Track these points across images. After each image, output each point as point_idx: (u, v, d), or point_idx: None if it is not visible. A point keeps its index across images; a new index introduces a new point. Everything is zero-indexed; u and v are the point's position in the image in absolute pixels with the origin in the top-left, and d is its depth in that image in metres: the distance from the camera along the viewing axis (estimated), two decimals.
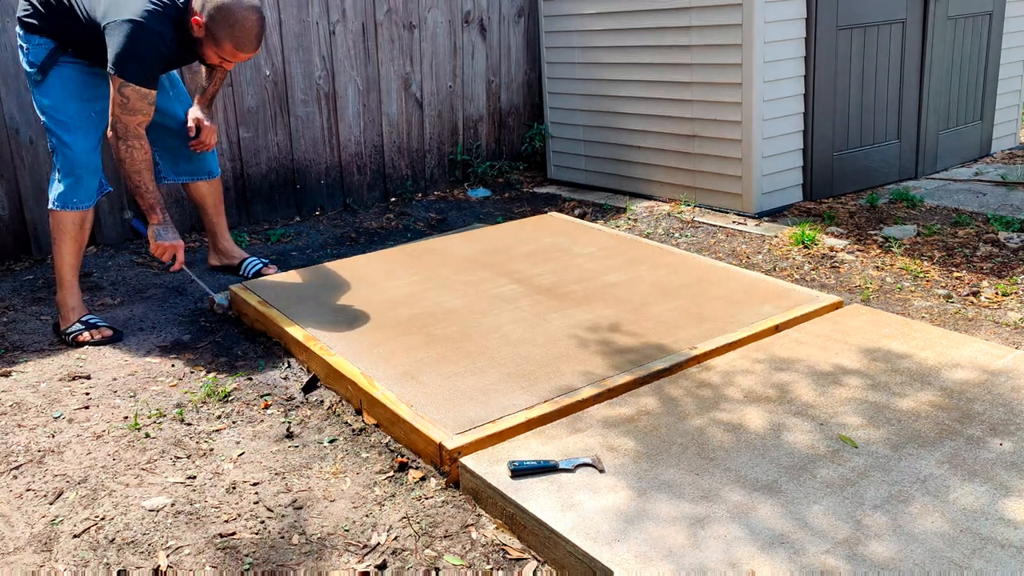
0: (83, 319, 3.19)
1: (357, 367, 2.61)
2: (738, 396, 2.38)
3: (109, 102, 3.05)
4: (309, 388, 2.72)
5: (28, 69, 3.11)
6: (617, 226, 4.40)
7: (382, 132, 5.02)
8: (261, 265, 3.75)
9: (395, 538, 1.97)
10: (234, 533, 2.00)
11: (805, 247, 3.89)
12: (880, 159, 4.84)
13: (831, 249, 3.87)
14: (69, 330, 3.16)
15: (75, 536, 2.01)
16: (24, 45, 3.10)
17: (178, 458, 2.34)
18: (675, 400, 2.37)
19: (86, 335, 3.13)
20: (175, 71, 3.53)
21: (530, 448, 2.15)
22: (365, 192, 5.04)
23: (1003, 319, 3.09)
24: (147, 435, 2.45)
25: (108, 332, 3.16)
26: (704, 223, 4.36)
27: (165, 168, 3.56)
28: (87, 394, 2.72)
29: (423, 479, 2.19)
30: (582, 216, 4.64)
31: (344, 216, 4.83)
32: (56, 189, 3.12)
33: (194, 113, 3.48)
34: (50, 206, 3.14)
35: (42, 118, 3.13)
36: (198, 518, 2.06)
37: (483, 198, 5.19)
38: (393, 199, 5.14)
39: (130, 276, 3.85)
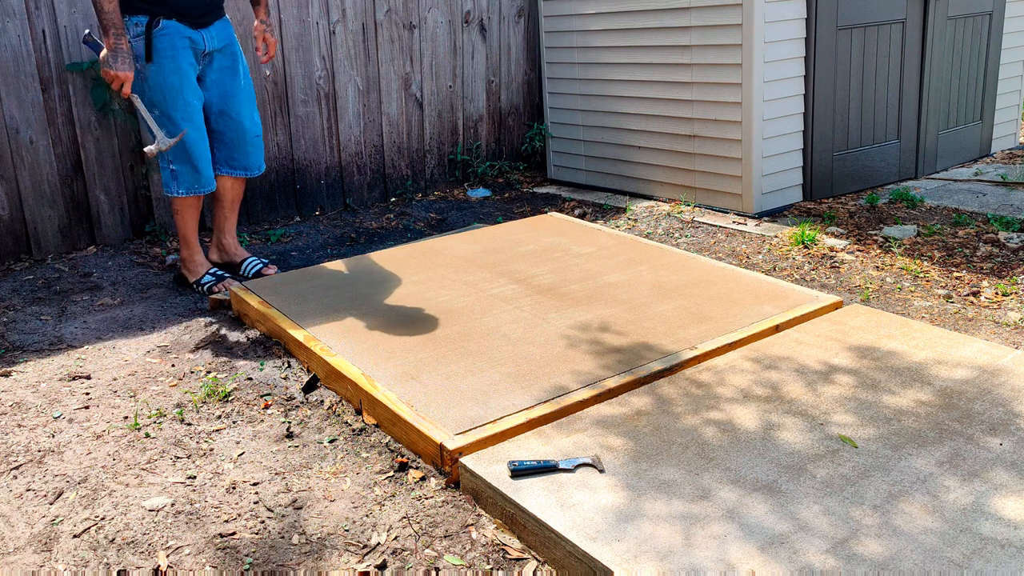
0: (212, 271, 3.61)
1: (357, 367, 2.61)
2: (738, 396, 2.38)
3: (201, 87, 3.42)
4: (309, 388, 2.72)
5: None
6: (617, 226, 4.40)
7: (382, 132, 5.02)
8: (261, 266, 3.78)
9: (395, 538, 1.97)
10: (234, 533, 2.00)
11: (805, 247, 3.90)
12: (880, 159, 4.84)
13: (831, 249, 3.87)
14: (202, 280, 3.57)
15: (75, 536, 2.01)
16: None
17: (178, 458, 2.34)
18: (675, 400, 2.37)
19: (219, 286, 3.53)
20: (246, 65, 3.63)
21: (530, 448, 2.15)
22: (365, 192, 5.04)
23: (1003, 319, 3.09)
24: (147, 435, 2.46)
25: (234, 283, 3.51)
26: (704, 223, 4.36)
27: (221, 162, 3.66)
28: (87, 394, 2.72)
29: (423, 479, 2.19)
30: (582, 216, 4.64)
31: (344, 216, 4.83)
32: (176, 177, 3.44)
33: (259, 30, 3.62)
34: (175, 194, 3.48)
35: (154, 111, 3.35)
36: (198, 518, 2.06)
37: (483, 198, 5.19)
38: (393, 199, 5.14)
39: (130, 276, 3.85)
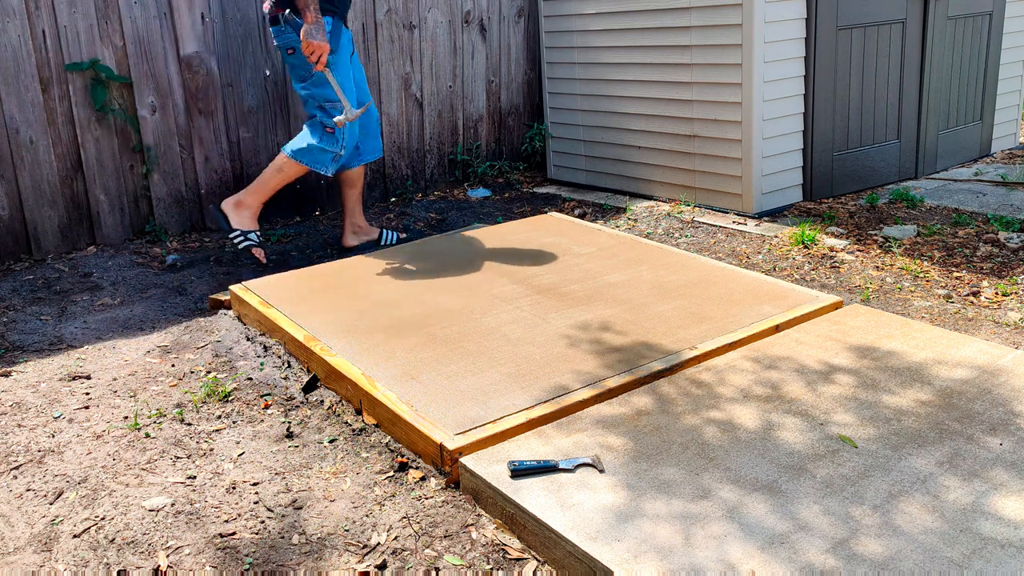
0: (256, 232, 3.71)
1: (357, 367, 2.61)
2: (738, 396, 2.38)
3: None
4: (309, 388, 2.72)
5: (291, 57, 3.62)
6: (617, 226, 4.40)
7: (382, 132, 5.02)
8: (396, 235, 4.18)
9: (395, 538, 1.97)
10: (234, 533, 2.00)
11: (805, 247, 3.90)
12: (880, 159, 4.84)
13: (831, 249, 3.87)
14: (247, 233, 3.66)
15: (75, 536, 2.01)
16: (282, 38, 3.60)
17: (178, 458, 2.34)
18: (675, 400, 2.37)
19: (257, 251, 3.69)
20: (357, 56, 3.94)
21: (530, 448, 2.15)
22: (365, 192, 5.03)
23: (1003, 319, 3.09)
24: (147, 435, 2.46)
25: (261, 252, 3.72)
26: (704, 223, 4.36)
27: (363, 153, 3.99)
28: (87, 394, 2.72)
29: (423, 479, 2.19)
30: (582, 216, 4.64)
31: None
32: (337, 160, 3.73)
33: None
34: (304, 162, 3.69)
35: (319, 102, 3.65)
36: (198, 518, 2.06)
37: (483, 198, 5.19)
38: (393, 199, 5.14)
39: (130, 276, 3.85)
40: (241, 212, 3.63)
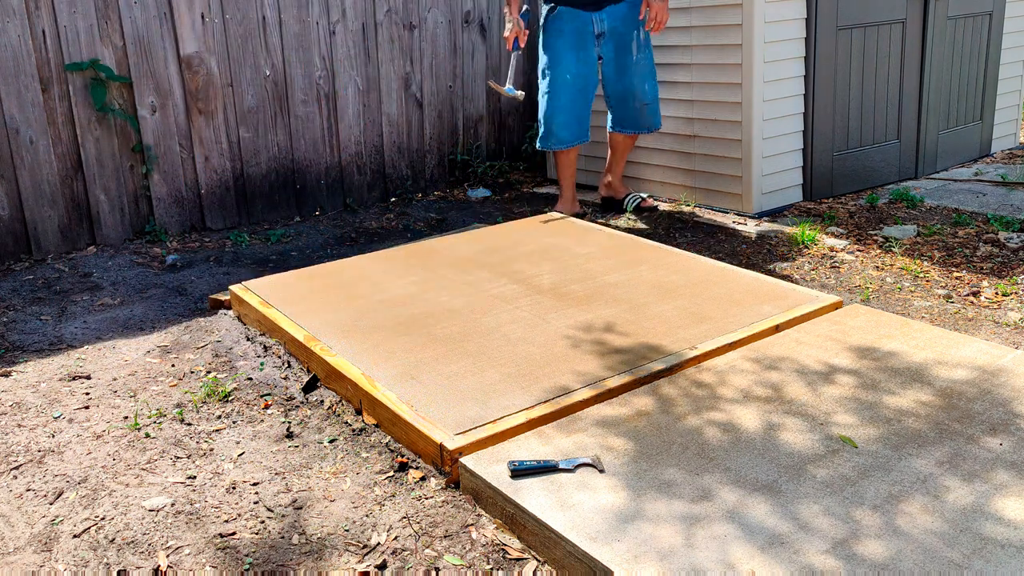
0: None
1: (358, 367, 2.61)
2: (738, 396, 2.38)
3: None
4: (309, 388, 2.72)
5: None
6: (617, 226, 4.40)
7: (382, 132, 5.02)
8: (640, 200, 4.61)
9: (395, 538, 1.97)
10: (234, 533, 2.00)
11: (805, 247, 3.90)
12: (880, 159, 4.84)
13: (831, 249, 3.87)
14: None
15: (75, 536, 2.01)
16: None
17: (178, 458, 2.34)
18: (674, 400, 2.37)
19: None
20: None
21: (530, 448, 2.15)
22: (365, 192, 5.04)
23: (1003, 319, 3.09)
24: (147, 435, 2.46)
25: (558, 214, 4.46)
26: (704, 223, 4.36)
27: (615, 121, 4.46)
28: (87, 394, 2.72)
29: (423, 479, 2.19)
30: (582, 216, 4.64)
31: (344, 216, 4.83)
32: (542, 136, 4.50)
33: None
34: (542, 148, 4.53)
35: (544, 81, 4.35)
36: (198, 518, 2.06)
37: (483, 198, 5.19)
38: (393, 199, 5.14)
39: (130, 276, 3.85)
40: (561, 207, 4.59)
